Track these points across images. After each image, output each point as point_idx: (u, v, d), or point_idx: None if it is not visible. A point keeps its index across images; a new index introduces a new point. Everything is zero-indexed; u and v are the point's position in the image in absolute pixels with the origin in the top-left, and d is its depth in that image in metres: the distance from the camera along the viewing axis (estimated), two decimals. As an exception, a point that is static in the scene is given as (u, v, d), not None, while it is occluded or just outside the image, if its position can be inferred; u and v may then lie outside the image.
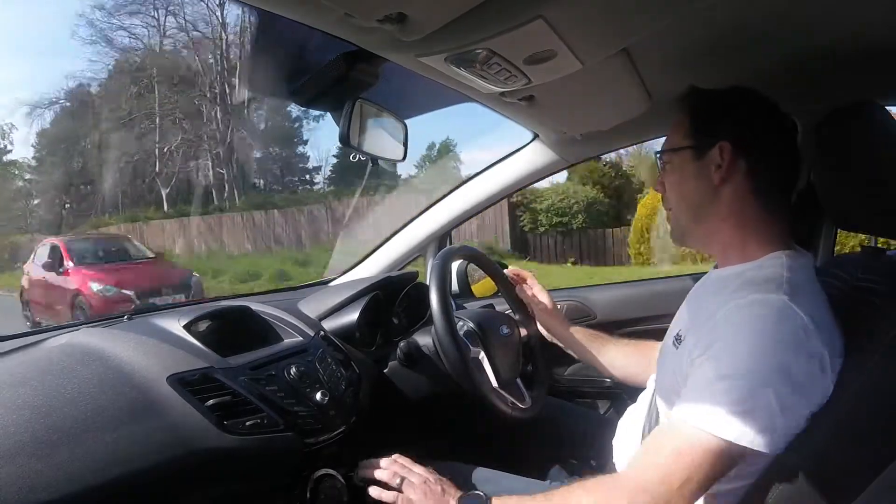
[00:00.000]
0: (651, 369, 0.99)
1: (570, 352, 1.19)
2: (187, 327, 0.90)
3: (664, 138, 0.89)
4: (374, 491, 0.85)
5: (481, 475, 0.97)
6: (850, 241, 3.39)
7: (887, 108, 0.78)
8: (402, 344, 1.13)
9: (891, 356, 0.65)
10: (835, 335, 0.69)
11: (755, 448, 0.65)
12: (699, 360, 0.71)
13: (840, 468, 0.64)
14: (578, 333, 1.17)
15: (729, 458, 0.66)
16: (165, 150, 14.48)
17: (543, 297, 1.20)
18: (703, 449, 0.66)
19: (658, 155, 0.88)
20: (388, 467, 0.87)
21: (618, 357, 1.14)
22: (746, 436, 0.65)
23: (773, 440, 0.65)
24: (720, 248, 0.83)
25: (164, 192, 14.39)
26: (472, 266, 1.48)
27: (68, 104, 15.17)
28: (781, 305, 0.67)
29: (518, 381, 1.13)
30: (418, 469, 0.86)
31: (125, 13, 14.17)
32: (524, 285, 1.22)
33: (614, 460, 0.94)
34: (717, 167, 0.79)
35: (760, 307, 0.68)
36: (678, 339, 0.81)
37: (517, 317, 1.21)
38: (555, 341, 1.20)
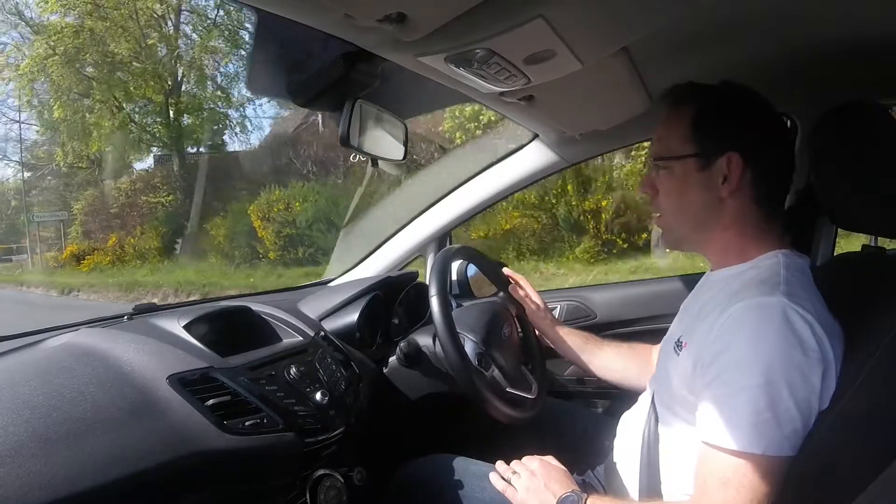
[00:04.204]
0: (648, 373, 0.99)
1: (561, 354, 1.18)
2: (187, 327, 0.90)
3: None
4: (492, 476, 0.90)
5: (479, 469, 0.97)
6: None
7: (887, 108, 0.78)
8: (402, 344, 1.12)
9: (890, 356, 0.65)
10: (834, 334, 0.69)
11: (788, 454, 0.65)
12: (710, 374, 0.70)
13: (840, 468, 0.64)
14: (570, 335, 1.16)
15: (777, 470, 0.65)
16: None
17: (535, 299, 1.20)
18: (745, 470, 0.65)
19: (652, 159, 0.83)
20: (508, 465, 0.91)
21: (614, 361, 1.13)
22: (779, 444, 0.65)
23: (797, 443, 0.66)
24: (718, 252, 0.82)
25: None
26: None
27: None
28: (783, 306, 0.67)
29: (519, 378, 1.13)
30: (534, 463, 0.88)
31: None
32: (517, 286, 1.22)
33: (614, 459, 0.94)
34: (724, 179, 0.76)
35: (762, 310, 0.68)
36: (679, 345, 0.80)
37: (514, 312, 1.22)
38: (548, 343, 1.20)
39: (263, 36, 0.85)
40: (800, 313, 0.66)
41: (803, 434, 0.66)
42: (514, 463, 0.91)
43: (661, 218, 0.84)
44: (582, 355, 1.14)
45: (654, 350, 1.12)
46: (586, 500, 0.78)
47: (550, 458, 0.90)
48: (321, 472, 0.89)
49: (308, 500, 0.87)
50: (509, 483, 0.88)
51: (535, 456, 0.90)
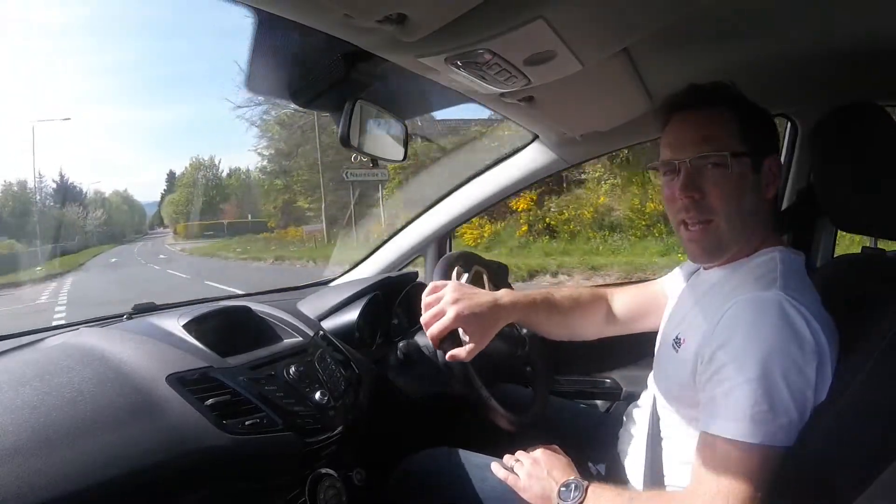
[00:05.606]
0: (590, 325, 1.04)
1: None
2: (187, 327, 0.90)
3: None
4: (494, 465, 0.91)
5: (480, 460, 0.98)
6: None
7: (887, 108, 0.79)
8: (401, 344, 1.13)
9: (889, 356, 0.65)
10: (830, 329, 0.69)
11: (783, 445, 0.65)
12: (710, 370, 0.70)
13: (840, 468, 0.64)
14: (526, 312, 0.97)
15: (772, 460, 0.65)
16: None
17: (476, 342, 0.86)
18: (741, 459, 0.65)
19: (696, 157, 0.75)
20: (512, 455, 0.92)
21: (560, 325, 1.04)
22: (774, 434, 0.65)
23: (792, 434, 0.66)
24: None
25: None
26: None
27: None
28: (779, 300, 0.68)
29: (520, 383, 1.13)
30: (537, 451, 0.89)
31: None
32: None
33: (619, 450, 0.95)
34: (768, 181, 0.77)
35: (759, 305, 0.69)
36: (677, 342, 0.80)
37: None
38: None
39: (263, 36, 0.85)
40: (796, 307, 0.67)
41: (799, 425, 0.66)
42: (518, 453, 0.91)
43: (708, 224, 0.77)
44: (535, 326, 1.05)
45: (609, 297, 1.08)
46: (588, 487, 0.78)
47: (554, 448, 0.91)
48: (321, 471, 0.89)
49: (308, 500, 0.87)
50: (511, 471, 0.88)
51: (539, 446, 0.91)
